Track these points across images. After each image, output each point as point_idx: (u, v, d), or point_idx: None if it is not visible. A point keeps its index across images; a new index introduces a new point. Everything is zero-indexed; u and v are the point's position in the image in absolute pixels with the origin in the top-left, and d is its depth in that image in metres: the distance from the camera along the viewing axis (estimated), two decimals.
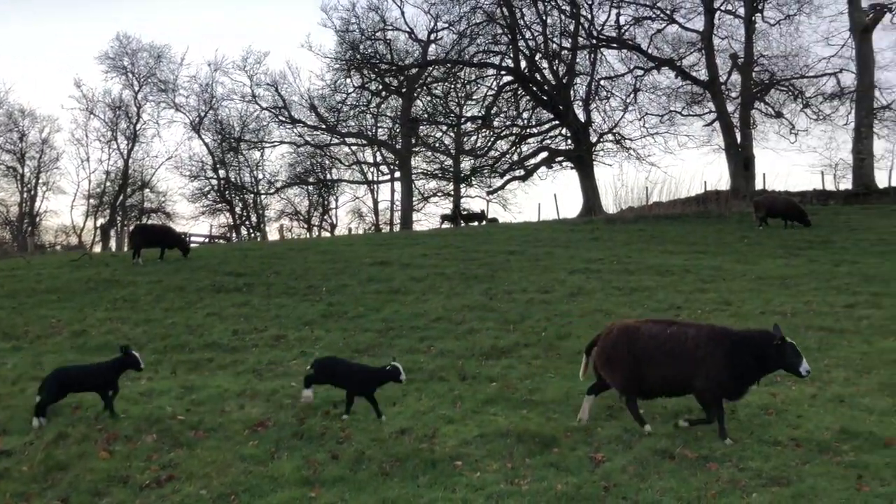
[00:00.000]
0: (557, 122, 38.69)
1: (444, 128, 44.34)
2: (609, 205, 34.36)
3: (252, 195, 53.73)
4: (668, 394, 7.88)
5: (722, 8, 36.40)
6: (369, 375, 8.68)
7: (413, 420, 8.34)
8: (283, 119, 45.29)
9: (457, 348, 11.66)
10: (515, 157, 40.15)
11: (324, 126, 44.49)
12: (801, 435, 7.52)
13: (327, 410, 8.73)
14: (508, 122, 40.84)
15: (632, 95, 38.04)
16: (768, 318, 12.81)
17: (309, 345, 12.24)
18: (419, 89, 42.49)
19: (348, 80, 41.72)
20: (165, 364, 11.31)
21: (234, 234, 50.83)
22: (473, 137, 43.75)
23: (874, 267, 17.01)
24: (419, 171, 46.90)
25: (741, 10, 36.00)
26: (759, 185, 36.09)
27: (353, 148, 49.91)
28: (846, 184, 35.25)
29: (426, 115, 43.61)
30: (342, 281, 17.16)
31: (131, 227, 40.57)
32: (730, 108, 36.07)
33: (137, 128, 53.07)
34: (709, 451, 7.09)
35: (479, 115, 40.95)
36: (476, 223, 36.13)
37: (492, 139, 40.90)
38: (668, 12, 36.62)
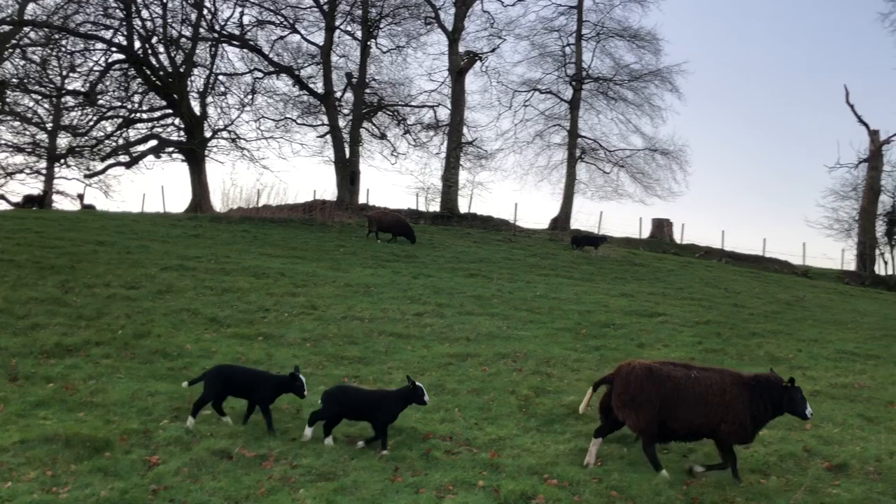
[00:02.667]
0: (171, 111, 36.90)
1: (39, 97, 39.39)
2: (218, 203, 33.82)
3: None
4: (689, 437, 7.77)
5: (342, 28, 38.26)
6: None
7: None
8: None
9: (13, 345, 10.36)
10: (121, 142, 37.33)
11: None
12: (355, 432, 8.14)
13: None
14: (116, 104, 37.83)
15: (250, 96, 37.93)
16: (349, 322, 13.71)
17: None
18: (11, 50, 37.17)
19: None
20: None
21: None
22: (74, 113, 39.58)
23: (444, 281, 19.22)
24: (3, 142, 40.91)
25: (359, 34, 38.19)
26: (362, 199, 38.61)
27: None
28: (435, 206, 39.26)
29: (17, 81, 38.27)
30: None
31: None
32: (342, 123, 37.92)
33: None
34: (267, 450, 7.30)
35: (83, 90, 37.27)
36: (35, 207, 32.11)
37: (95, 118, 37.48)
38: (291, 21, 37.35)
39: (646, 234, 43.67)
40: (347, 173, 36.91)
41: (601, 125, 43.70)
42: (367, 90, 38.83)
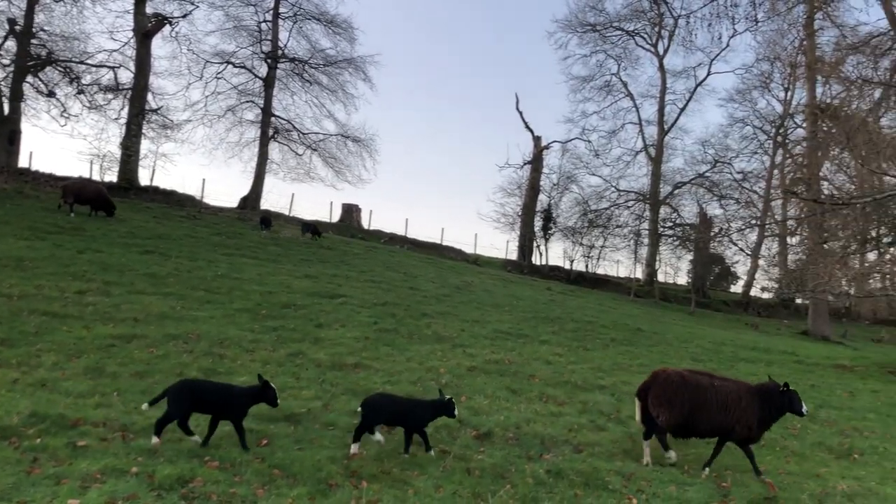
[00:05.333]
0: None
1: None
2: None
3: None
4: (708, 436, 8.82)
5: None
6: None
7: None
8: None
9: None
10: None
11: None
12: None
13: None
14: None
15: None
16: None
17: None
18: None
19: None
20: None
21: None
22: None
23: (116, 257, 17.80)
24: None
25: None
26: (23, 163, 34.28)
27: None
28: (112, 176, 36.15)
29: None
30: None
31: None
32: (1, 75, 33.24)
33: None
34: None
35: None
36: None
37: None
38: None
39: (336, 218, 44.55)
40: (6, 132, 32.44)
41: (296, 106, 43.54)
42: (34, 41, 34.37)
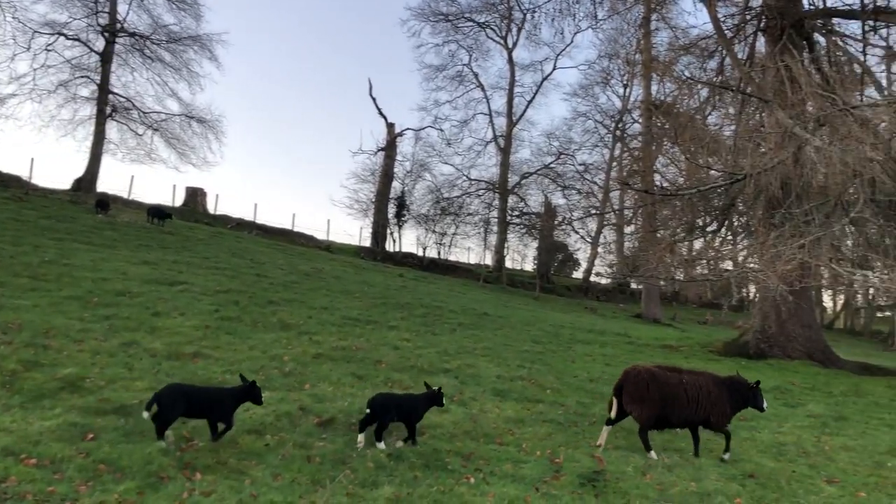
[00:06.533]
0: None
1: None
2: None
3: None
4: (684, 426, 9.50)
5: None
6: None
7: None
8: None
9: None
10: None
11: None
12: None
13: None
14: None
15: None
16: None
17: None
18: None
19: None
20: None
21: None
22: None
23: None
24: None
25: None
26: None
27: None
28: None
29: None
30: None
31: None
32: None
33: None
34: None
35: None
36: None
37: None
38: None
39: (179, 202, 42.69)
40: None
41: (136, 84, 41.12)
42: None
